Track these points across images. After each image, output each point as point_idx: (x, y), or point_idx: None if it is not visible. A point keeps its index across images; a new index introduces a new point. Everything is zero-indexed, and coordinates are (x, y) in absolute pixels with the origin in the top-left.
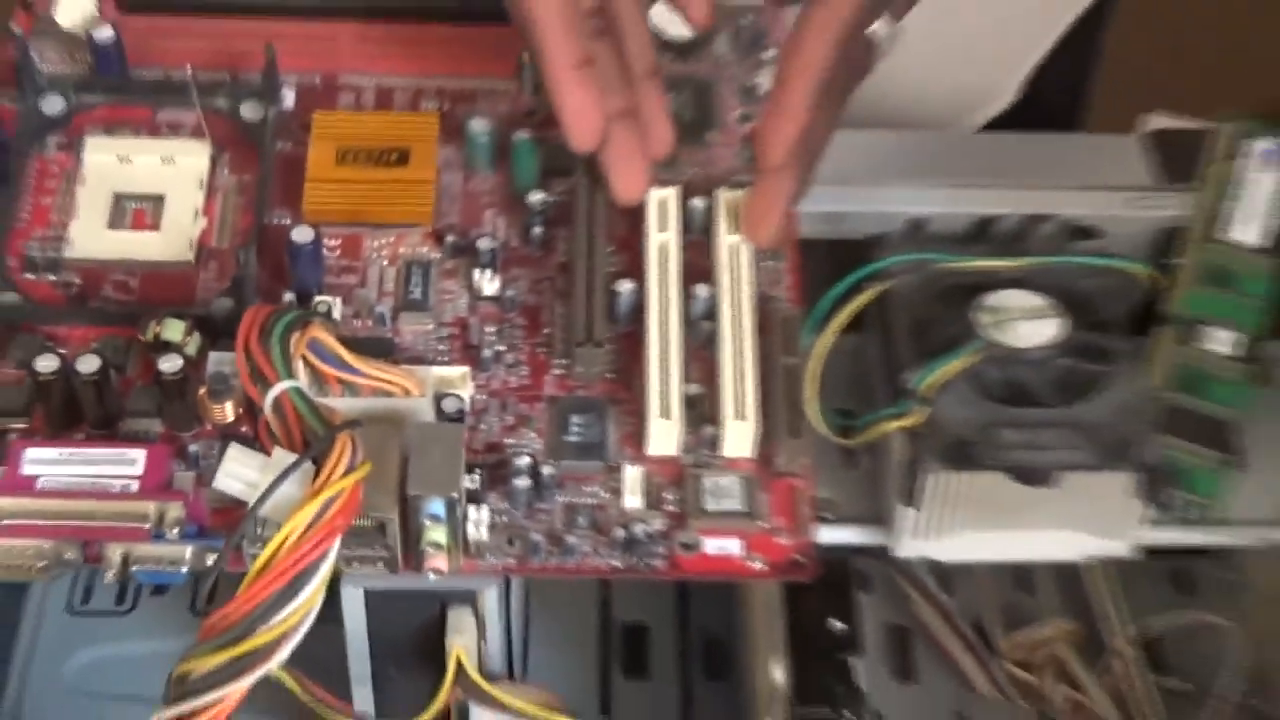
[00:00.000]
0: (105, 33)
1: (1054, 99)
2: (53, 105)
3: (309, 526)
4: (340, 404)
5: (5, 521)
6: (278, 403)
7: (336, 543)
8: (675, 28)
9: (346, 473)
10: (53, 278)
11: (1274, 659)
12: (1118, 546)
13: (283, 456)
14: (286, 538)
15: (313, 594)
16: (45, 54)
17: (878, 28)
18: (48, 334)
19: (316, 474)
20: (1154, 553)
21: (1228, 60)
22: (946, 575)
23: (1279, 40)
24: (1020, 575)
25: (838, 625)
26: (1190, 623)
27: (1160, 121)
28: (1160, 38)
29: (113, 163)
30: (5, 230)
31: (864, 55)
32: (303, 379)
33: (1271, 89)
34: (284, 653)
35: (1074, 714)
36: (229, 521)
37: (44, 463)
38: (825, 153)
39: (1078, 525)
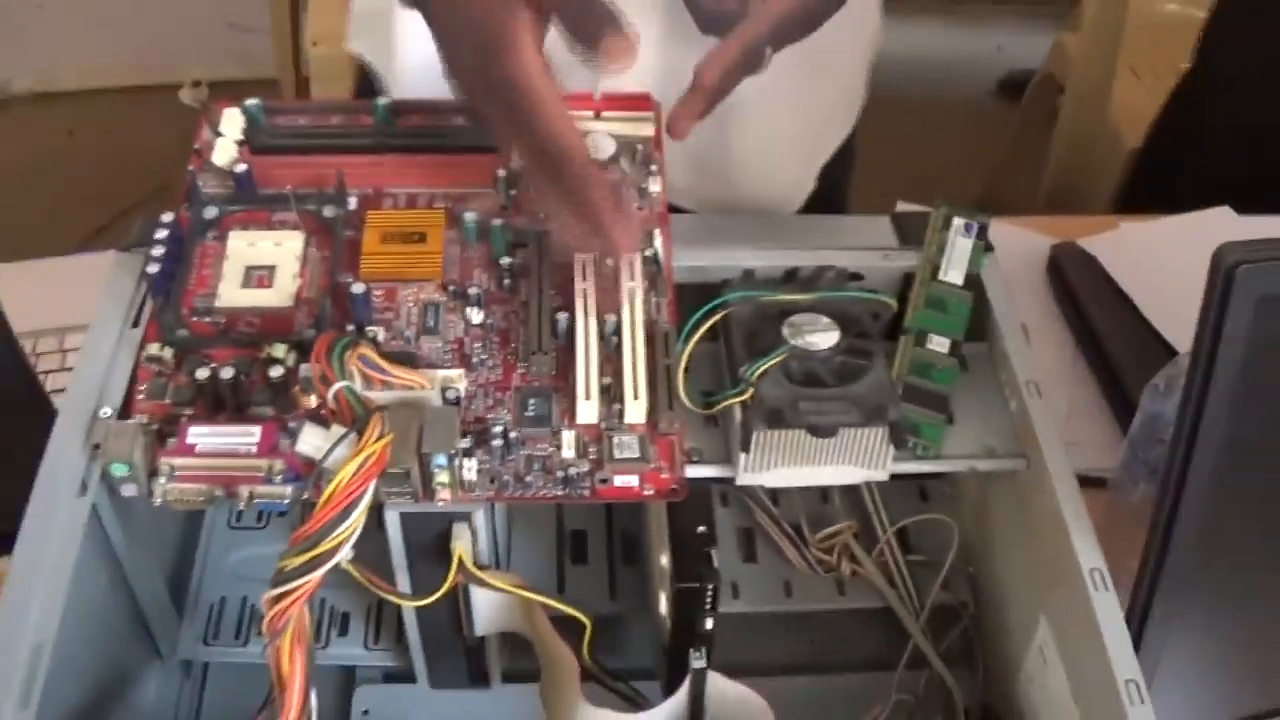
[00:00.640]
0: (241, 167)
1: (831, 189)
2: (210, 213)
3: (353, 475)
4: (379, 395)
5: (178, 472)
6: (336, 395)
7: (372, 485)
8: (594, 153)
9: (376, 440)
10: (209, 319)
11: (977, 542)
12: (879, 474)
13: (338, 430)
14: (339, 482)
15: (357, 518)
16: (207, 181)
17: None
18: (205, 354)
19: (359, 441)
20: (902, 477)
21: (939, 165)
22: (775, 495)
23: (963, 152)
24: (822, 493)
25: (701, 529)
26: (926, 519)
27: (903, 206)
28: (898, 146)
29: (245, 246)
30: (181, 291)
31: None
32: (358, 380)
33: (964, 187)
34: (342, 554)
35: (855, 580)
36: (311, 467)
37: (200, 435)
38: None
39: (853, 461)
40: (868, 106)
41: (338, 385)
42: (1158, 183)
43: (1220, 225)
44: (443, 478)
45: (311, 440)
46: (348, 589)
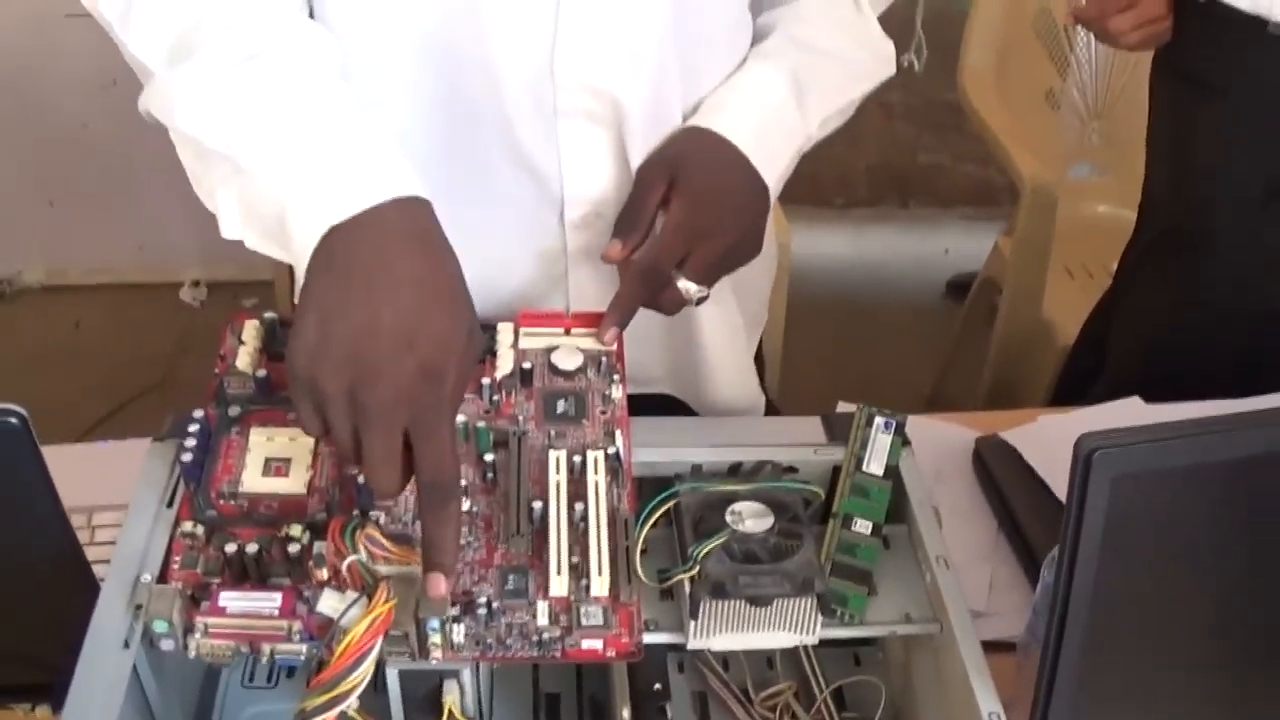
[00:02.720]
0: (261, 372)
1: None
2: (234, 411)
3: (365, 630)
4: (383, 569)
5: (211, 630)
6: (349, 567)
7: (380, 640)
8: (564, 364)
9: (384, 602)
10: (234, 502)
11: (902, 699)
12: (809, 638)
13: (351, 594)
14: (354, 636)
15: (367, 667)
16: (231, 383)
17: (686, 286)
18: (231, 532)
19: (369, 603)
20: (835, 642)
21: (893, 363)
22: (725, 660)
23: (915, 351)
24: (767, 658)
25: (657, 686)
26: (858, 680)
27: (843, 407)
28: (852, 345)
29: (264, 440)
30: (210, 478)
31: (677, 298)
32: (363, 554)
33: (916, 384)
34: (353, 698)
35: None
36: (324, 631)
37: (230, 599)
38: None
39: (787, 628)
40: (829, 308)
41: (350, 558)
42: (1086, 375)
43: (1128, 413)
44: (436, 639)
45: (330, 602)
46: None
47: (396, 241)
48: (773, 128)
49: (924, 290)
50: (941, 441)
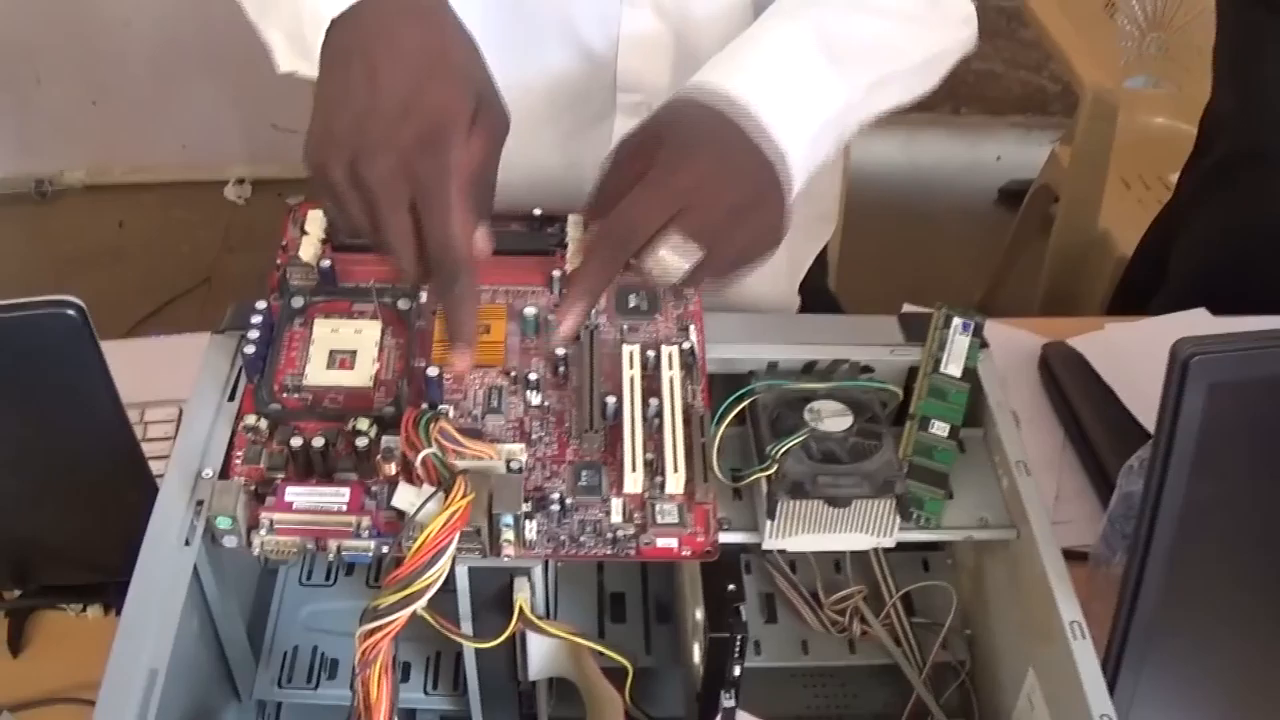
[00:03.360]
0: (325, 262)
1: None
2: (298, 302)
3: (442, 526)
4: (456, 463)
5: (277, 526)
6: (424, 461)
7: (457, 536)
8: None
9: (462, 498)
10: (298, 395)
11: (973, 606)
12: (887, 541)
13: (428, 489)
14: (431, 531)
15: (444, 564)
16: (294, 274)
17: (667, 257)
18: (295, 426)
19: (445, 498)
20: (907, 546)
21: (945, 268)
22: (793, 561)
23: (967, 257)
24: (835, 562)
25: (732, 586)
26: (928, 585)
27: (908, 308)
28: (906, 251)
29: (329, 333)
30: (273, 370)
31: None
32: (435, 449)
33: (967, 290)
34: (428, 596)
35: (865, 640)
36: (394, 528)
37: (296, 495)
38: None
39: (863, 530)
40: (882, 214)
41: (425, 452)
42: (1145, 287)
43: (1195, 325)
44: (509, 535)
45: (406, 497)
46: (409, 640)
47: (392, 17)
48: (794, 84)
49: (976, 197)
50: (1005, 346)
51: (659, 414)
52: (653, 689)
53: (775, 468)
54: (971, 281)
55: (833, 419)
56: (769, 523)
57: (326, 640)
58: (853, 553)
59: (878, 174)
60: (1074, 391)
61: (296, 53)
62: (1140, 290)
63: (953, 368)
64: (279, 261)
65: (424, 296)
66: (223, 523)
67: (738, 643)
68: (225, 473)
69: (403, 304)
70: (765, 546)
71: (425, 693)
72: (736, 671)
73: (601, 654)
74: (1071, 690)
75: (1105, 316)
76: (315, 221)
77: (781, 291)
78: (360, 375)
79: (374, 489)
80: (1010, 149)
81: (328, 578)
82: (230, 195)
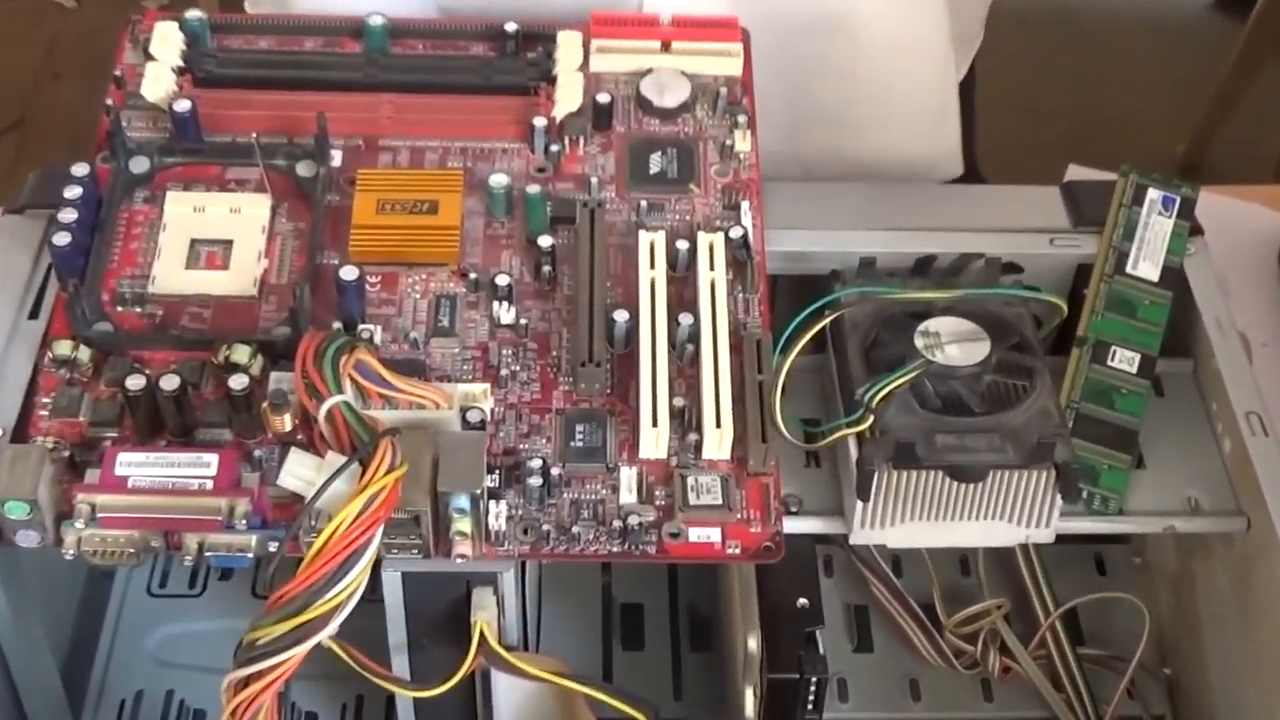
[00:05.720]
0: (183, 105)
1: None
2: (139, 165)
3: (357, 516)
4: (382, 415)
5: (102, 514)
6: (330, 414)
7: (380, 530)
8: (661, 98)
9: (388, 471)
10: (139, 310)
11: (1176, 632)
12: (1040, 534)
13: (335, 458)
14: (338, 526)
15: (360, 574)
16: (134, 123)
17: None
18: (135, 357)
19: (363, 473)
20: (1072, 539)
21: (1128, 111)
22: (897, 560)
23: (1162, 92)
24: (961, 559)
25: (803, 602)
26: (1105, 599)
27: (1075, 173)
28: (1073, 86)
29: (189, 213)
30: (99, 271)
31: None
32: (349, 394)
33: (1161, 143)
34: (335, 623)
35: (1007, 679)
36: (287, 514)
37: (133, 465)
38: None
39: (1005, 516)
40: (1035, 27)
41: (332, 401)
42: None
43: None
44: (463, 526)
45: (298, 472)
46: (316, 679)
47: None
48: None
49: (1181, 3)
50: (1227, 230)
51: (694, 338)
52: None
53: (871, 420)
54: (1169, 129)
55: (959, 345)
56: (860, 505)
57: (187, 681)
58: (988, 550)
59: None
60: None
61: None
62: None
63: (1146, 267)
64: (110, 102)
65: (337, 158)
66: (15, 510)
67: (812, 686)
68: (23, 432)
69: (304, 169)
70: (854, 540)
71: None
72: None
73: (605, 703)
74: None
75: None
76: (167, 39)
77: (945, 146)
78: (239, 279)
79: (257, 454)
80: None
81: (191, 585)
82: None
